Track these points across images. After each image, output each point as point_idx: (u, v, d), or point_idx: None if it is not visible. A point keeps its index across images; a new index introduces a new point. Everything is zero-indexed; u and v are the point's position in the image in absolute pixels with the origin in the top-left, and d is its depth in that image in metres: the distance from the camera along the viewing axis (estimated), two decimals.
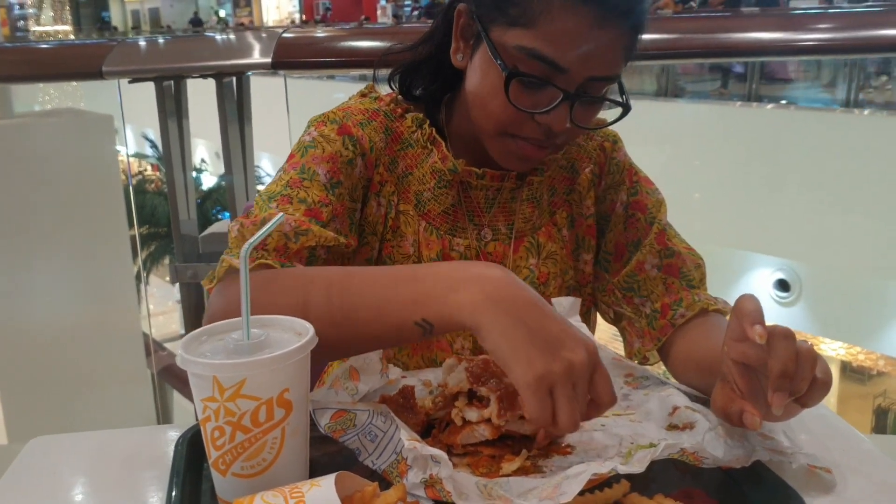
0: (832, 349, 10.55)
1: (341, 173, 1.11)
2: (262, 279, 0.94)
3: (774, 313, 9.16)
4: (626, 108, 1.09)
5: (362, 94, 1.23)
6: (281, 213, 0.85)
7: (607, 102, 1.10)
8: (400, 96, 1.22)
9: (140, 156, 12.64)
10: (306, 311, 0.88)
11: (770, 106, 8.67)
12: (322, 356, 0.87)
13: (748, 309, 0.83)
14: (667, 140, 7.80)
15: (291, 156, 1.13)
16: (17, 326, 3.54)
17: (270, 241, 1.01)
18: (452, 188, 1.18)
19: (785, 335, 0.81)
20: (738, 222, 7.87)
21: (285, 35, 1.87)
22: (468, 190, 1.20)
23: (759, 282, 9.08)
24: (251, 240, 0.79)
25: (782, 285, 8.88)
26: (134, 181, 12.25)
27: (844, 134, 7.47)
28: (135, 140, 12.33)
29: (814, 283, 8.67)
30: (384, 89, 1.25)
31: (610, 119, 1.15)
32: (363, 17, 22.52)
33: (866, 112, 7.84)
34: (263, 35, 1.88)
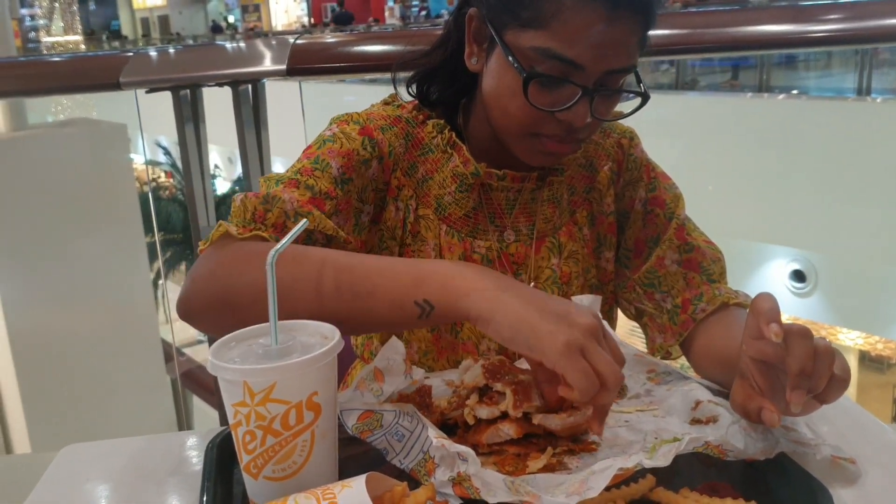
0: (850, 339, 10.48)
1: (354, 171, 1.12)
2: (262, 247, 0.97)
3: (791, 304, 9.12)
4: (645, 98, 1.09)
5: (385, 103, 1.24)
6: (305, 220, 0.87)
7: (625, 93, 1.11)
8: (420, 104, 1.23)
9: (153, 163, 12.69)
10: (304, 282, 0.93)
11: (781, 96, 8.64)
12: None
13: (764, 308, 0.84)
14: (680, 133, 7.78)
15: (308, 147, 1.15)
16: (36, 335, 3.58)
17: (270, 216, 1.03)
18: (473, 191, 1.19)
19: (802, 334, 0.82)
20: (753, 214, 7.84)
21: (298, 42, 1.88)
22: (489, 192, 1.21)
23: (774, 273, 9.03)
24: (277, 247, 0.81)
25: (798, 276, 8.84)
26: (147, 188, 12.30)
27: (857, 122, 7.42)
28: (148, 147, 12.38)
29: (830, 272, 8.62)
30: (404, 95, 1.26)
31: (628, 109, 1.15)
32: (371, 18, 22.55)
33: (879, 100, 7.80)
34: (276, 42, 1.90)
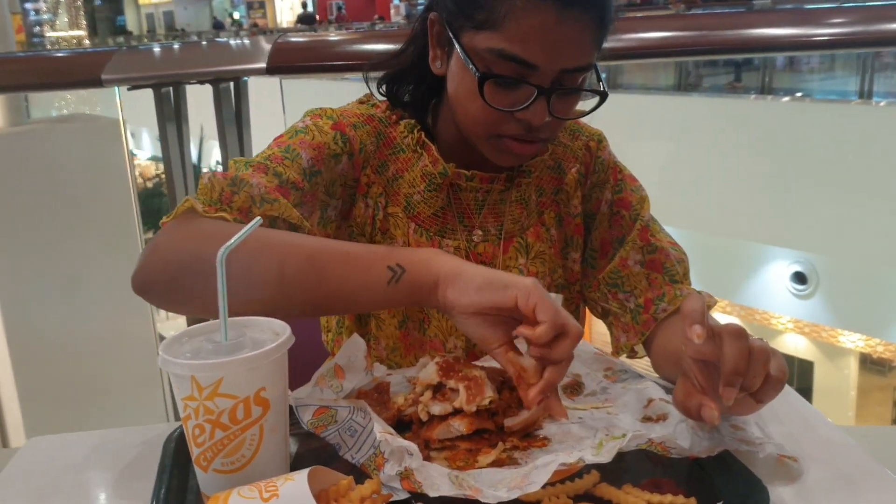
0: (851, 341, 10.48)
1: (323, 164, 1.13)
2: (224, 228, 0.97)
3: (792, 306, 9.14)
4: (604, 96, 1.11)
5: (360, 101, 1.26)
6: (258, 218, 0.87)
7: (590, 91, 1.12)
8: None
9: (156, 159, 12.71)
10: (269, 256, 0.95)
11: (785, 99, 8.64)
12: (291, 309, 0.96)
13: (689, 309, 0.85)
14: (683, 134, 7.79)
15: (280, 136, 1.16)
16: (32, 330, 3.59)
17: (237, 199, 1.02)
18: (442, 191, 1.21)
19: (737, 334, 0.84)
20: (755, 215, 7.85)
21: (281, 41, 1.90)
22: (458, 192, 1.22)
23: (775, 275, 9.05)
24: (228, 243, 0.82)
25: (799, 278, 8.85)
26: (150, 184, 12.34)
27: (860, 125, 7.43)
28: (151, 143, 12.42)
29: (831, 275, 8.63)
30: (379, 95, 1.27)
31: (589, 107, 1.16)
32: (376, 16, 22.56)
33: (882, 103, 7.80)
34: (259, 41, 1.92)
